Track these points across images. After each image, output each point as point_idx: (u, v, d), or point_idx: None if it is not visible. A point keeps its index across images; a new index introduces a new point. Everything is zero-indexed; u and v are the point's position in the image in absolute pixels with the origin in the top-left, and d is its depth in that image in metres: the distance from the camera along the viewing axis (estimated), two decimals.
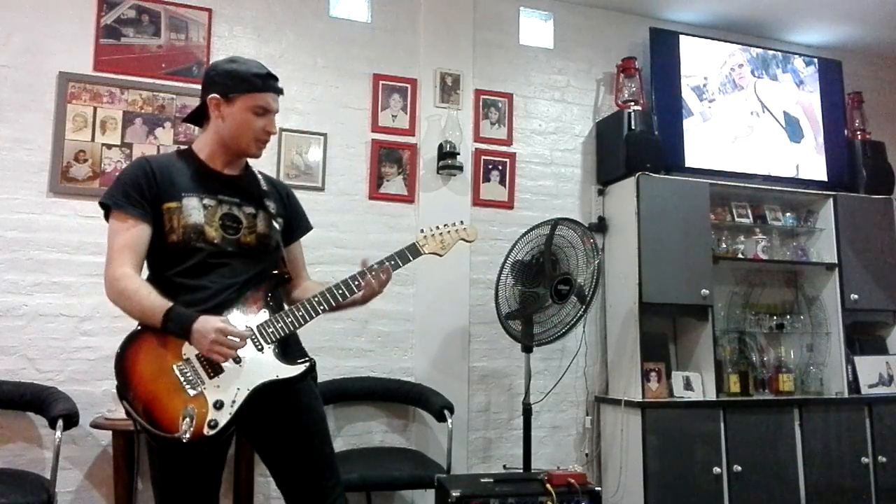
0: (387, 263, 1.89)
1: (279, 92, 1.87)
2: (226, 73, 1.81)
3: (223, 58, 1.91)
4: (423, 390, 3.25)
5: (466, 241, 2.06)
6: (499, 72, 3.77)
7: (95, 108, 3.08)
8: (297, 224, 2.03)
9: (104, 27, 3.14)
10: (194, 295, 1.73)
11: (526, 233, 3.29)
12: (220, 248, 1.77)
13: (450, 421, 3.01)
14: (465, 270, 3.53)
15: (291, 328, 1.78)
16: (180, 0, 3.26)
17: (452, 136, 3.50)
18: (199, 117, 1.89)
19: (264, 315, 1.77)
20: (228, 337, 1.64)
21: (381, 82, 3.53)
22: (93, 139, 3.06)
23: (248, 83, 1.80)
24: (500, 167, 3.68)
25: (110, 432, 2.73)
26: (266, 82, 1.82)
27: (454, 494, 2.41)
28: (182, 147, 1.91)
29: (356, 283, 1.84)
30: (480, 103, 3.69)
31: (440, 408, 3.04)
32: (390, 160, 3.50)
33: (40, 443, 2.87)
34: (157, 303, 1.66)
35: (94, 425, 2.73)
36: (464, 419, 3.41)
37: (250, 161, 1.95)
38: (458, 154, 3.49)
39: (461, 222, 2.06)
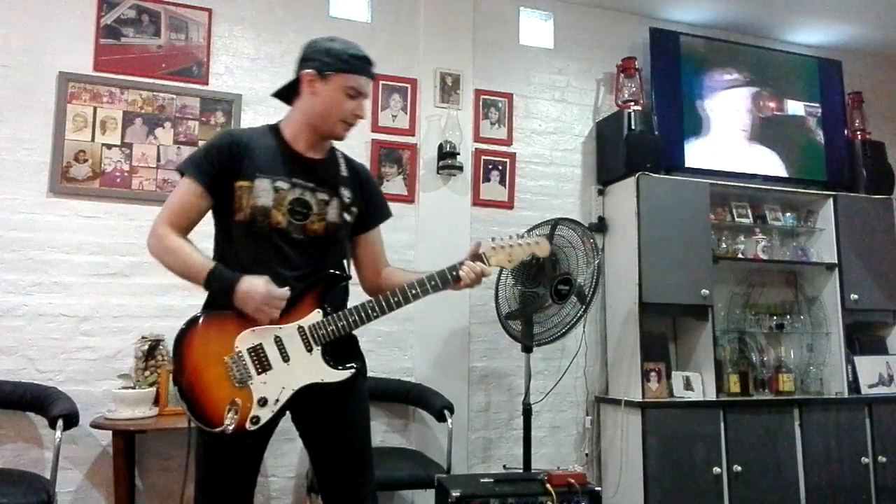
0: (448, 274, 1.84)
1: (373, 77, 1.86)
2: (325, 50, 1.80)
3: (324, 36, 1.88)
4: (423, 390, 3.25)
5: (538, 256, 1.98)
6: (499, 72, 3.77)
7: (95, 108, 3.08)
8: (374, 211, 1.98)
9: (104, 27, 3.14)
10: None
11: (526, 233, 3.29)
12: (284, 233, 1.76)
13: (450, 421, 3.01)
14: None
15: (342, 332, 1.77)
16: (180, 0, 3.26)
17: (452, 136, 3.50)
18: (288, 94, 1.87)
19: (317, 316, 1.76)
20: (273, 299, 1.68)
21: (381, 82, 3.53)
22: (93, 139, 3.06)
23: (346, 63, 1.79)
24: (500, 167, 3.68)
25: (110, 432, 2.73)
26: (363, 65, 1.82)
27: (454, 494, 2.41)
28: (270, 124, 1.89)
29: (413, 291, 1.81)
30: (480, 103, 3.69)
31: (440, 408, 3.04)
32: (390, 160, 3.50)
33: (40, 443, 2.87)
34: (200, 261, 1.71)
35: (94, 425, 2.73)
36: (464, 419, 3.41)
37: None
38: (458, 154, 3.49)
39: (535, 235, 2.01)
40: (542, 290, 3.11)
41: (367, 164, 3.44)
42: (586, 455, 3.66)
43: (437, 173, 3.54)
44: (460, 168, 3.52)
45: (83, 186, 3.02)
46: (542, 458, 3.51)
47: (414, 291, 1.81)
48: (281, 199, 1.77)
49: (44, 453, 2.85)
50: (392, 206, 3.38)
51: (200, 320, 1.73)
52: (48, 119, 3.02)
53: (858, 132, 4.12)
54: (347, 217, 1.86)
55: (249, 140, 1.81)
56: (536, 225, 3.28)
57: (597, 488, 2.54)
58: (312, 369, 1.74)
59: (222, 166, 1.75)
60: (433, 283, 1.82)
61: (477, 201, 3.62)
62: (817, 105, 4.08)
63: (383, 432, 3.37)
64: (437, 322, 3.46)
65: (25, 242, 2.94)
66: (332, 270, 1.81)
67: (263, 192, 1.75)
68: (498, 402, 3.56)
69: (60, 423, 2.50)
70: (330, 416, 1.82)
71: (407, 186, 3.52)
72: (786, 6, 3.97)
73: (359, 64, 1.81)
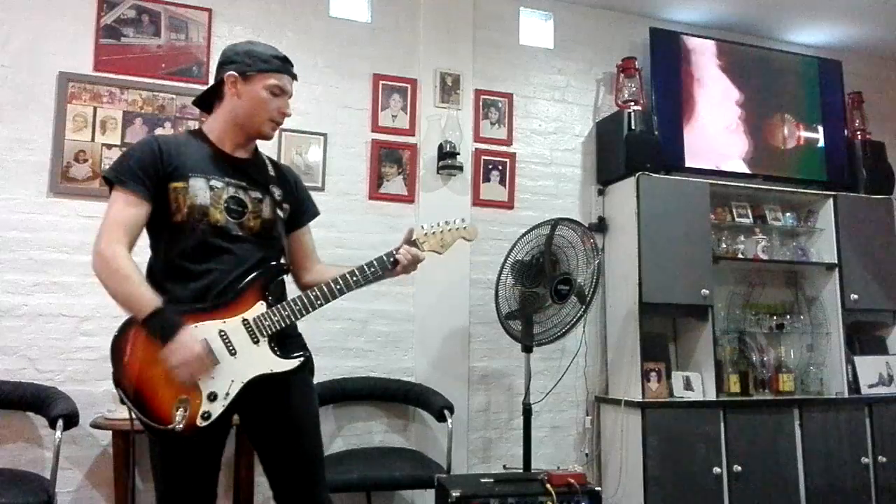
0: (385, 260, 1.90)
1: (294, 77, 1.90)
2: (245, 52, 1.83)
3: (241, 41, 1.92)
4: (423, 390, 3.25)
5: (466, 240, 2.06)
6: (499, 72, 3.77)
7: (95, 108, 3.08)
8: (304, 209, 2.03)
9: (104, 27, 3.14)
10: (197, 282, 1.73)
11: (526, 233, 3.29)
12: (223, 231, 1.77)
13: (450, 421, 3.01)
14: (465, 270, 3.53)
15: (287, 322, 1.78)
16: (180, 0, 3.26)
17: (452, 136, 3.50)
18: (208, 102, 1.89)
19: (261, 307, 1.76)
20: (202, 365, 1.65)
21: (381, 82, 3.53)
22: (93, 139, 3.06)
23: (267, 63, 1.82)
24: (500, 167, 3.68)
25: (110, 432, 2.73)
26: (283, 64, 1.86)
27: (454, 494, 2.41)
28: (192, 128, 1.91)
29: (354, 278, 1.84)
30: (480, 103, 3.69)
31: (440, 408, 3.04)
32: (390, 160, 3.50)
33: (40, 443, 2.87)
34: (147, 296, 1.66)
35: (94, 425, 2.73)
36: (464, 419, 3.41)
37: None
38: (458, 154, 3.49)
39: (462, 220, 2.04)
40: (542, 290, 3.11)
41: (367, 164, 3.46)
42: (586, 455, 3.66)
43: (437, 173, 3.54)
44: (460, 168, 3.52)
45: (83, 186, 3.02)
46: (542, 458, 3.51)
47: (355, 278, 1.84)
48: (217, 197, 1.77)
49: (44, 453, 2.85)
50: (392, 206, 3.48)
51: (136, 322, 1.69)
52: (48, 119, 3.02)
53: (858, 132, 4.12)
54: (280, 213, 1.89)
55: (176, 142, 1.81)
56: (536, 225, 3.27)
57: (597, 488, 2.54)
58: (261, 360, 1.73)
59: (155, 171, 1.73)
60: (372, 269, 1.86)
61: (477, 201, 3.62)
62: (817, 105, 4.08)
63: (383, 432, 3.37)
64: (437, 322, 3.46)
65: (25, 242, 2.94)
66: (272, 263, 1.83)
67: (199, 190, 1.75)
68: (498, 402, 3.56)
69: (60, 423, 2.50)
70: (279, 409, 1.80)
71: (407, 186, 3.52)
72: (786, 6, 3.97)
73: (279, 63, 1.85)
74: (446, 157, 3.48)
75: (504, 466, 3.45)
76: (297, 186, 2.01)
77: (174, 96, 3.19)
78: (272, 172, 1.93)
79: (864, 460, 3.56)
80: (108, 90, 3.10)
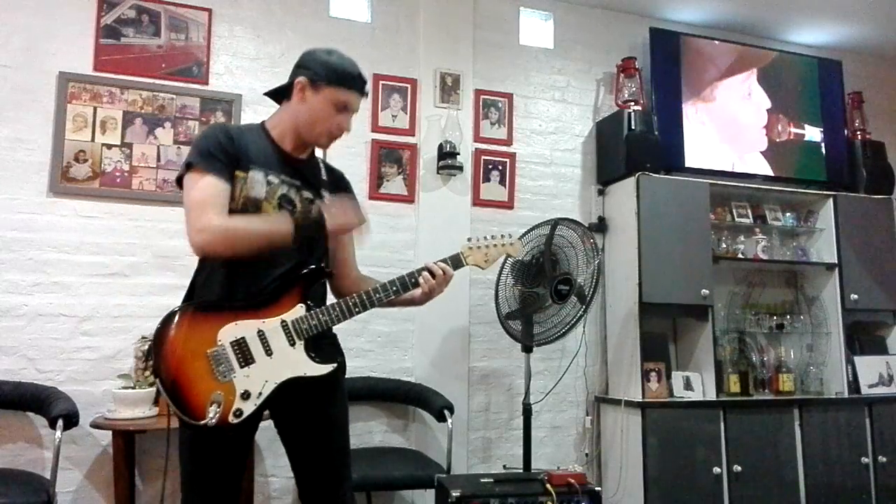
0: (446, 263, 1.92)
1: (365, 95, 1.92)
2: (321, 61, 1.84)
3: (322, 47, 1.93)
4: (423, 390, 3.25)
5: (510, 256, 2.06)
6: (499, 72, 3.77)
7: (95, 108, 3.08)
8: None
9: (104, 27, 3.14)
10: (241, 276, 1.74)
11: (526, 233, 3.28)
12: None
13: (450, 421, 3.01)
14: (465, 270, 3.50)
15: (325, 326, 1.79)
16: (180, 0, 3.26)
17: (452, 136, 3.50)
18: (279, 95, 1.91)
19: (301, 310, 1.77)
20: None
21: (381, 82, 3.53)
22: (93, 139, 3.06)
23: (340, 77, 1.83)
24: (500, 167, 3.68)
25: (110, 432, 2.72)
26: (356, 82, 1.88)
27: (454, 494, 2.41)
28: (256, 122, 1.92)
29: (394, 288, 1.86)
30: (480, 103, 3.69)
31: (440, 408, 3.04)
32: (390, 160, 3.50)
33: (40, 443, 2.87)
34: (275, 221, 1.73)
35: (94, 425, 2.73)
36: (464, 419, 3.41)
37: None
38: (458, 154, 3.49)
39: (509, 235, 2.04)
40: (542, 290, 3.11)
41: (367, 165, 3.46)
42: (586, 455, 3.66)
43: (437, 173, 3.54)
44: (460, 168, 3.52)
45: (83, 186, 3.02)
46: (542, 458, 3.51)
47: (395, 288, 1.86)
48: (272, 192, 1.79)
49: (44, 453, 2.85)
50: (392, 206, 3.48)
51: (180, 314, 1.71)
52: (48, 119, 3.02)
53: (858, 132, 4.12)
54: None
55: (241, 133, 1.83)
56: (536, 225, 3.27)
57: (597, 488, 2.54)
58: (295, 363, 1.75)
59: (228, 156, 1.75)
60: (413, 280, 1.88)
61: (477, 201, 3.62)
62: (817, 105, 4.08)
63: (383, 432, 3.37)
64: (437, 322, 3.46)
65: (25, 242, 2.94)
66: (313, 266, 1.83)
67: (257, 183, 1.77)
68: (498, 402, 3.56)
69: (60, 423, 2.50)
70: (310, 410, 1.82)
71: (407, 186, 3.52)
72: (786, 6, 3.97)
73: (351, 80, 1.86)
74: (446, 157, 3.48)
75: (504, 466, 3.45)
76: (347, 193, 2.02)
77: (174, 96, 3.19)
78: (325, 177, 1.95)
79: (864, 460, 3.56)
80: (108, 90, 3.11)
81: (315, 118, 1.83)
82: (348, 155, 3.44)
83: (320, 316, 1.78)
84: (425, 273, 1.88)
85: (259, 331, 1.72)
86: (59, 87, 3.03)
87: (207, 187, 1.71)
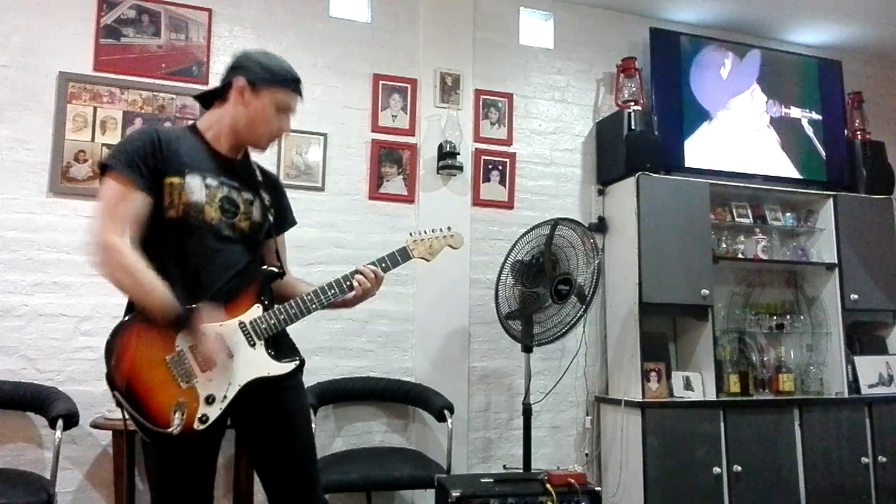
0: (377, 266, 1.90)
1: (302, 96, 1.89)
2: (259, 63, 1.81)
3: (257, 49, 1.91)
4: (423, 390, 3.25)
5: (452, 248, 2.07)
6: (499, 72, 3.77)
7: (95, 108, 3.08)
8: (285, 217, 2.02)
9: (104, 27, 3.14)
10: (189, 281, 1.70)
11: (526, 233, 3.29)
12: (216, 230, 1.75)
13: (450, 421, 3.01)
14: (465, 270, 3.53)
15: (283, 325, 1.78)
16: (180, 0, 3.26)
17: (452, 136, 3.50)
18: (209, 98, 1.87)
19: (257, 311, 1.76)
20: (220, 350, 1.66)
21: (381, 82, 3.53)
22: (93, 139, 3.06)
23: (280, 79, 1.81)
24: (500, 167, 3.68)
25: (110, 432, 2.73)
26: (295, 84, 1.85)
27: (454, 494, 2.41)
28: (188, 123, 1.88)
29: (347, 283, 1.85)
30: (480, 103, 3.69)
31: (440, 408, 3.04)
32: (390, 160, 3.50)
33: (40, 443, 2.87)
34: (164, 290, 1.61)
35: (94, 425, 2.73)
36: (464, 419, 3.41)
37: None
38: (458, 154, 3.49)
39: (448, 228, 2.06)
40: (542, 290, 3.11)
41: (367, 165, 3.46)
42: (586, 455, 3.66)
43: (437, 173, 3.54)
44: (460, 168, 3.52)
45: (83, 186, 3.02)
46: (542, 458, 3.51)
47: (349, 282, 1.85)
48: (212, 195, 1.75)
49: (44, 453, 2.85)
50: (392, 206, 3.48)
51: (131, 324, 1.66)
52: (48, 119, 3.02)
53: (858, 132, 4.12)
54: (270, 217, 1.89)
55: (174, 137, 1.78)
56: (536, 225, 3.27)
57: (597, 488, 2.54)
58: (257, 363, 1.73)
59: (155, 163, 1.70)
60: (347, 284, 1.86)
61: (477, 201, 3.62)
62: (817, 105, 4.08)
63: (383, 432, 3.37)
64: (437, 322, 3.45)
65: (25, 242, 2.94)
66: (269, 267, 1.84)
67: (196, 188, 1.73)
68: (498, 402, 3.56)
69: (60, 423, 2.50)
70: (271, 411, 1.80)
71: (407, 186, 3.52)
72: (786, 6, 3.97)
73: (291, 81, 1.83)
74: (446, 157, 3.48)
75: (504, 466, 3.45)
76: (280, 193, 2.01)
77: (174, 96, 3.19)
78: (260, 177, 1.92)
79: (864, 460, 3.56)
80: (108, 90, 3.11)
81: (256, 120, 1.80)
82: (348, 155, 3.45)
83: (279, 315, 1.77)
84: (358, 276, 1.86)
85: (216, 333, 1.68)
86: (59, 87, 3.03)
87: (122, 200, 1.65)
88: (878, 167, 4.04)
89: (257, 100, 1.79)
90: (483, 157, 3.65)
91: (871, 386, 3.72)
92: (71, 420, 2.54)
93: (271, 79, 1.80)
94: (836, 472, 3.51)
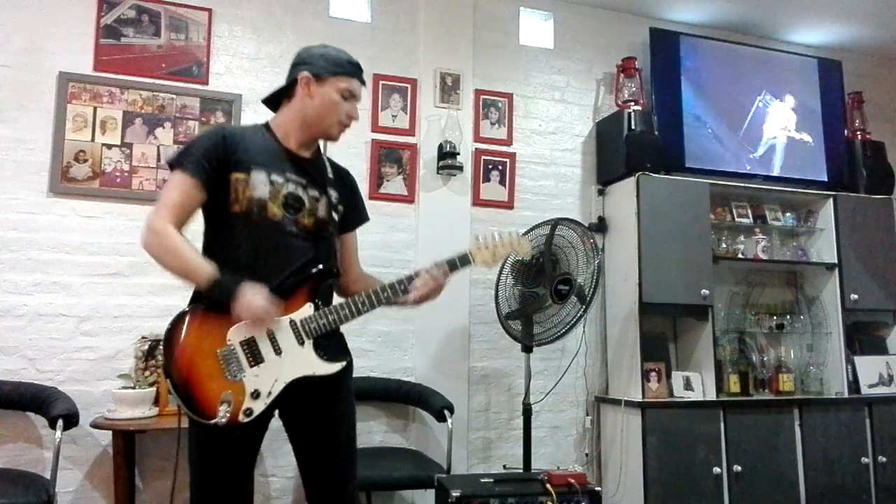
0: (437, 269, 1.91)
1: (364, 82, 1.95)
2: (319, 55, 1.88)
3: (316, 44, 1.96)
4: (423, 390, 3.25)
5: (518, 255, 2.09)
6: (499, 72, 3.77)
7: (95, 108, 3.08)
8: (355, 214, 2.06)
9: (104, 27, 3.14)
10: (248, 275, 1.73)
11: (526, 233, 3.28)
12: (278, 226, 1.79)
13: (450, 421, 3.01)
14: (465, 270, 3.52)
15: (333, 325, 1.80)
16: (180, 0, 3.26)
17: (452, 136, 3.50)
18: (276, 101, 1.92)
19: (309, 309, 1.78)
20: (269, 314, 1.69)
21: (381, 82, 3.53)
22: (93, 139, 3.06)
23: (341, 67, 1.88)
24: (500, 167, 3.68)
25: (110, 432, 2.73)
26: (357, 70, 1.92)
27: (454, 494, 2.41)
28: (260, 123, 1.93)
29: (402, 286, 1.87)
30: (480, 103, 3.69)
31: (440, 408, 3.04)
32: (390, 160, 3.50)
33: (40, 443, 2.87)
34: (204, 266, 1.69)
35: (94, 425, 2.73)
36: (464, 419, 3.41)
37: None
38: (458, 154, 3.49)
39: (517, 233, 2.07)
40: (542, 290, 3.11)
41: (367, 165, 3.46)
42: (586, 455, 3.66)
43: (437, 173, 3.54)
44: (460, 168, 3.52)
45: (83, 186, 3.02)
46: (542, 458, 3.51)
47: (402, 285, 1.87)
48: (276, 192, 1.80)
49: (44, 453, 2.85)
50: (392, 206, 3.48)
51: (190, 314, 1.73)
52: (48, 119, 3.02)
53: (858, 132, 4.12)
54: (335, 215, 1.92)
55: (242, 135, 1.84)
56: (536, 225, 3.28)
57: (597, 488, 2.54)
58: (304, 362, 1.76)
59: (218, 160, 1.76)
60: (416, 279, 1.89)
61: (477, 201, 3.62)
62: (817, 105, 4.08)
63: (383, 432, 3.37)
64: (437, 322, 3.46)
65: (25, 242, 2.94)
66: (322, 265, 1.84)
67: (260, 184, 1.78)
68: (498, 402, 3.56)
69: (60, 423, 2.49)
70: (317, 409, 1.83)
71: (407, 186, 3.52)
72: (786, 6, 3.97)
73: (352, 68, 1.90)
74: (446, 157, 3.48)
75: (504, 466, 3.45)
76: (352, 191, 2.06)
77: (174, 96, 3.19)
78: (331, 174, 1.96)
79: (864, 460, 3.56)
80: (108, 90, 3.11)
81: (325, 110, 1.86)
82: (348, 155, 3.44)
83: (329, 315, 1.79)
84: (425, 276, 1.89)
85: (268, 330, 1.73)
86: (59, 87, 3.03)
87: (177, 190, 1.74)
88: (878, 167, 4.04)
89: (323, 90, 1.85)
90: (483, 157, 3.65)
91: (871, 386, 3.72)
92: (71, 420, 2.53)
93: (333, 68, 1.86)
94: (836, 472, 3.51)
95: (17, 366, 2.87)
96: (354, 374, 3.27)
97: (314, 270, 1.82)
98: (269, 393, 1.71)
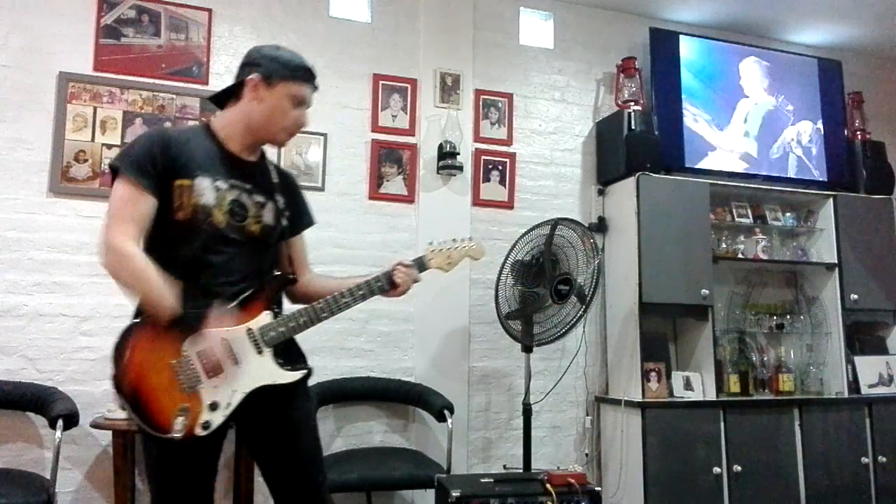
0: (412, 269, 1.90)
1: (317, 88, 1.86)
2: (273, 57, 1.78)
3: (268, 44, 1.89)
4: (423, 390, 3.25)
5: (473, 259, 2.07)
6: (499, 72, 3.76)
7: (95, 108, 3.08)
8: (301, 217, 1.98)
9: (104, 27, 3.14)
10: (194, 284, 1.68)
11: (526, 233, 3.29)
12: (223, 234, 1.72)
13: (450, 421, 3.01)
14: (465, 270, 3.53)
15: (292, 333, 1.75)
16: (180, 0, 3.26)
17: (452, 136, 3.50)
18: (222, 99, 1.85)
19: (266, 318, 1.73)
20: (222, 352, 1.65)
21: (381, 82, 3.53)
22: (93, 139, 3.06)
23: (293, 71, 1.78)
24: (500, 167, 3.68)
25: (110, 432, 2.72)
26: (309, 76, 1.83)
27: (454, 494, 2.41)
28: (202, 122, 1.86)
29: (360, 292, 1.82)
30: (480, 103, 3.69)
31: (440, 408, 3.04)
32: (390, 160, 3.50)
33: (40, 443, 2.87)
34: (167, 298, 1.61)
35: (94, 425, 2.73)
36: (464, 419, 3.41)
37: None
38: (458, 154, 3.49)
39: (469, 238, 2.05)
40: (542, 290, 3.11)
41: (367, 164, 3.46)
42: (586, 455, 3.66)
43: (437, 173, 3.54)
44: (460, 168, 3.52)
45: (83, 186, 3.02)
46: (542, 458, 3.51)
47: (362, 291, 1.82)
48: (221, 198, 1.72)
49: (44, 453, 2.85)
50: (392, 206, 3.48)
51: (140, 327, 1.66)
52: (48, 119, 3.02)
53: (858, 132, 4.12)
54: (283, 221, 1.85)
55: (185, 138, 1.76)
56: (536, 225, 3.27)
57: (597, 488, 2.54)
58: (264, 371, 1.70)
59: (164, 166, 1.68)
60: (379, 283, 1.85)
61: (477, 201, 3.62)
62: (817, 105, 4.08)
63: (383, 432, 3.37)
64: (437, 322, 3.45)
65: (25, 242, 2.94)
66: (277, 272, 1.80)
67: (205, 190, 1.70)
68: (498, 402, 3.56)
69: (60, 423, 2.50)
70: (276, 417, 1.76)
71: (407, 186, 3.52)
72: (786, 6, 3.97)
73: (306, 74, 1.81)
74: (446, 157, 3.48)
75: (504, 466, 3.45)
76: (296, 194, 1.97)
77: (174, 96, 3.19)
78: (276, 179, 1.88)
79: (864, 460, 3.56)
80: (108, 90, 3.11)
81: (272, 116, 1.77)
82: (348, 155, 3.45)
83: (288, 323, 1.73)
84: (399, 271, 1.87)
85: (223, 339, 1.66)
86: (59, 87, 3.03)
87: (131, 202, 1.65)
88: (878, 167, 4.04)
89: (272, 94, 1.76)
90: (483, 157, 3.65)
91: (871, 386, 3.72)
92: (71, 420, 2.53)
93: (285, 72, 1.77)
94: (836, 472, 3.51)
95: (17, 366, 2.87)
96: (354, 374, 3.33)
97: (272, 276, 1.77)
98: (228, 404, 1.65)
